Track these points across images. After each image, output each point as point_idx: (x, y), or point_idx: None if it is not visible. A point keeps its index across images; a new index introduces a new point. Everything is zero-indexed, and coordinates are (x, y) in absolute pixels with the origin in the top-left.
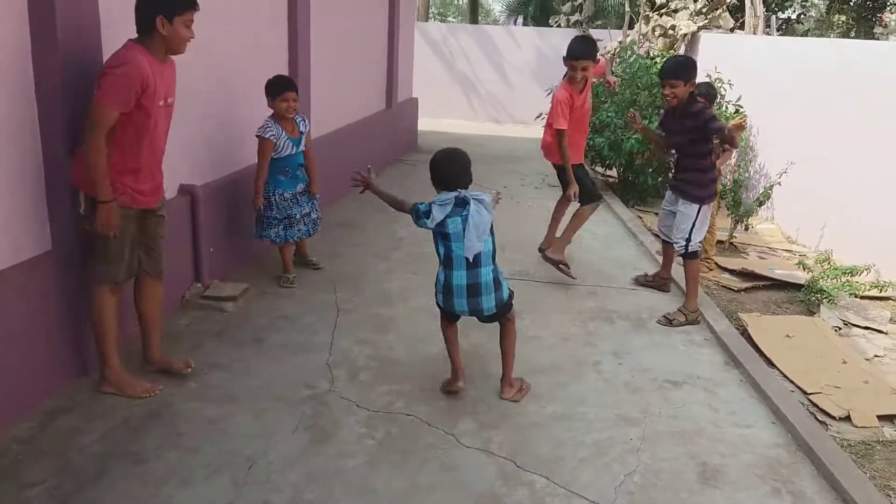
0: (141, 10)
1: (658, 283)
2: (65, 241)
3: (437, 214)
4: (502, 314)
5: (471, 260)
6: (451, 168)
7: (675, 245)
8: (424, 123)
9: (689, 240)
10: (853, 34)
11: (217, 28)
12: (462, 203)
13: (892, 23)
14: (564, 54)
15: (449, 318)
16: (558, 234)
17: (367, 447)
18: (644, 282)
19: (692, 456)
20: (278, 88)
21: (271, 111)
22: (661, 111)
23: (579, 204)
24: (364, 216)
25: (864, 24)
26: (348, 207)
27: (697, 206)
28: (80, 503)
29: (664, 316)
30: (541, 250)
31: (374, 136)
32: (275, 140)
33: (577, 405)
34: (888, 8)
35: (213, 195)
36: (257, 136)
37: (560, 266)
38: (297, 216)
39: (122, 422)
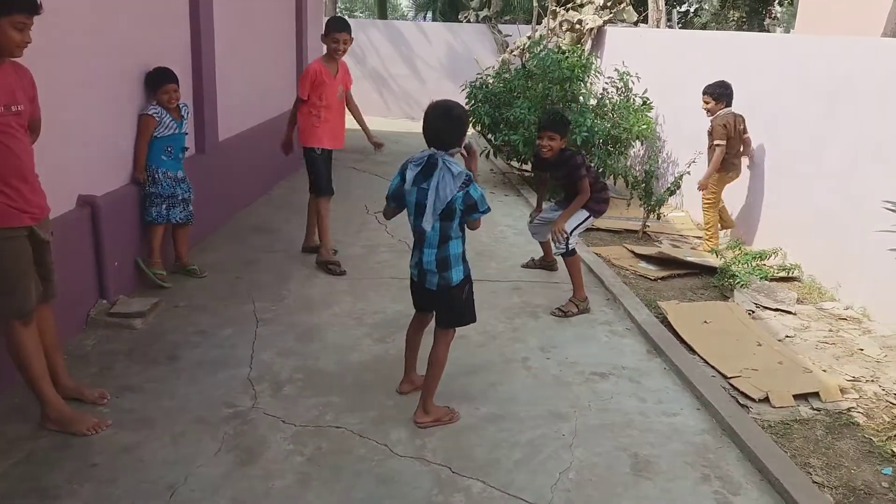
0: None
1: (545, 265)
2: None
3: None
4: (439, 312)
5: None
6: (424, 122)
7: (555, 245)
8: None
9: (568, 241)
10: (746, 27)
11: (117, 25)
12: (431, 168)
13: (778, 14)
14: (323, 32)
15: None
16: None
17: (297, 465)
18: (532, 265)
19: (623, 448)
20: (157, 81)
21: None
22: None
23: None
24: (280, 219)
25: (757, 17)
26: (262, 211)
27: (588, 214)
28: None
29: (558, 308)
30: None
31: None
32: (157, 117)
33: (509, 404)
34: (776, 0)
35: (116, 205)
36: (139, 114)
37: (329, 266)
38: (180, 197)
39: (27, 456)
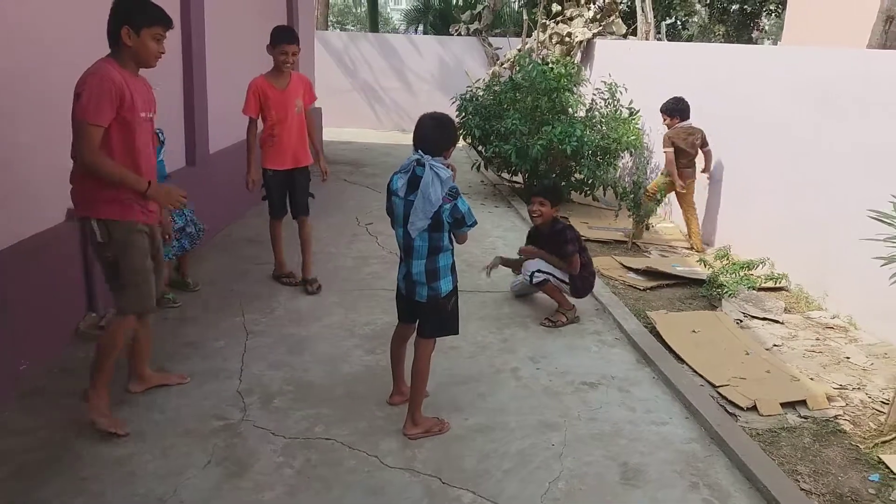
0: (110, 20)
1: None
2: None
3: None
4: (424, 322)
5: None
6: (415, 129)
7: (524, 275)
8: (329, 133)
9: (533, 275)
10: (734, 40)
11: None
12: (418, 177)
13: (767, 27)
14: (269, 43)
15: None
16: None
17: (286, 477)
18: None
19: (613, 457)
20: None
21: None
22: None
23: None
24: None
25: (745, 30)
26: (254, 223)
27: (568, 285)
28: None
29: (547, 318)
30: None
31: None
32: None
33: (499, 414)
34: (763, 13)
35: None
36: None
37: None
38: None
39: (18, 469)
